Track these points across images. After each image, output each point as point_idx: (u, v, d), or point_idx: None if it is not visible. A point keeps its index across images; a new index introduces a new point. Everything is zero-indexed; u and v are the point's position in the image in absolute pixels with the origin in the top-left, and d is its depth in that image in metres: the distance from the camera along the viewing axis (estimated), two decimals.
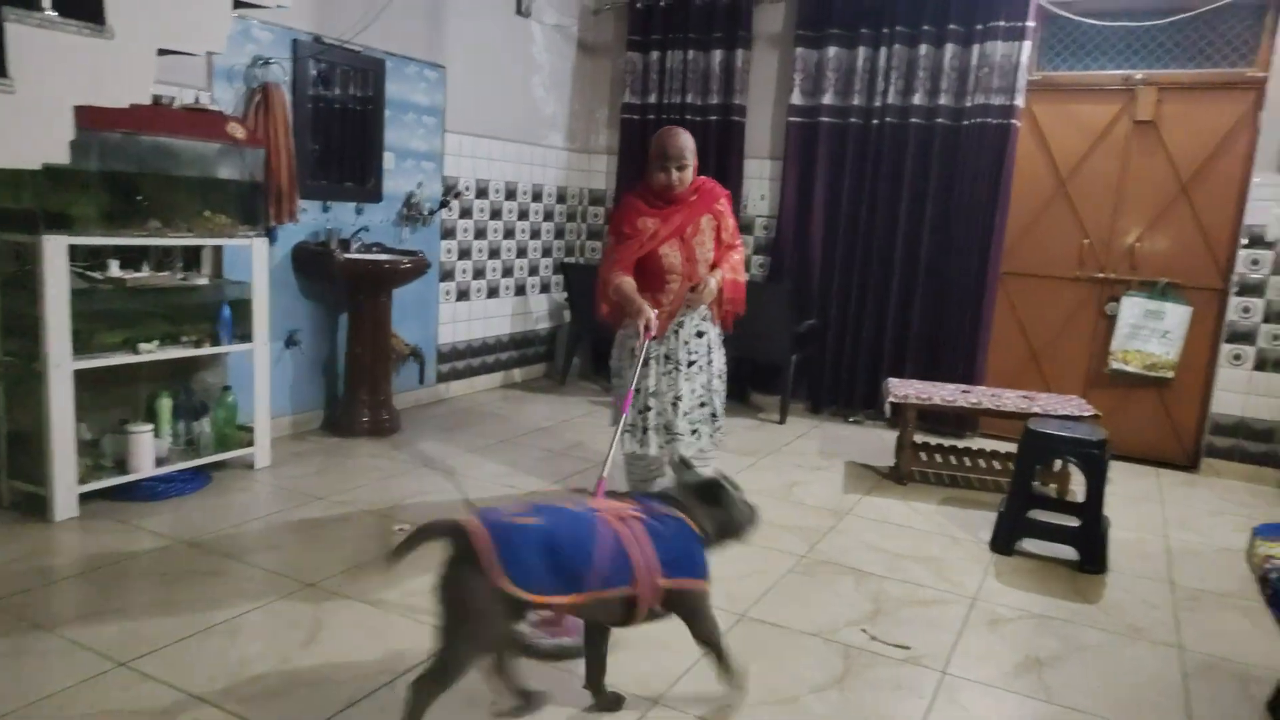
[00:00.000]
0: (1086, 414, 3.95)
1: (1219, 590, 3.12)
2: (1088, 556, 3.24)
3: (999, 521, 3.43)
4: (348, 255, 4.34)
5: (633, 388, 3.15)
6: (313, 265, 4.35)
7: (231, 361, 3.89)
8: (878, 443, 4.94)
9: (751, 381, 5.75)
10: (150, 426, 3.43)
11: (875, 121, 5.30)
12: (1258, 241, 4.53)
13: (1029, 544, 3.41)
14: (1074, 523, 3.35)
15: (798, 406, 5.58)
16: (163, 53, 3.10)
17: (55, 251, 3.05)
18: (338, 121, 4.53)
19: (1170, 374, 4.79)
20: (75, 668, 2.23)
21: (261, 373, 3.83)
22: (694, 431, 3.32)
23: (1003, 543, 3.38)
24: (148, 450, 3.41)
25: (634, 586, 1.94)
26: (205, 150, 3.61)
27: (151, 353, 3.42)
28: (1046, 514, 3.43)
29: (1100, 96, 4.93)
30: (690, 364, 3.30)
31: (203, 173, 3.67)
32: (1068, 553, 3.32)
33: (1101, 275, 4.99)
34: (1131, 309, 4.86)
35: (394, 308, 4.66)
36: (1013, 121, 4.90)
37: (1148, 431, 4.87)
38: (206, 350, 3.64)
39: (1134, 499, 4.18)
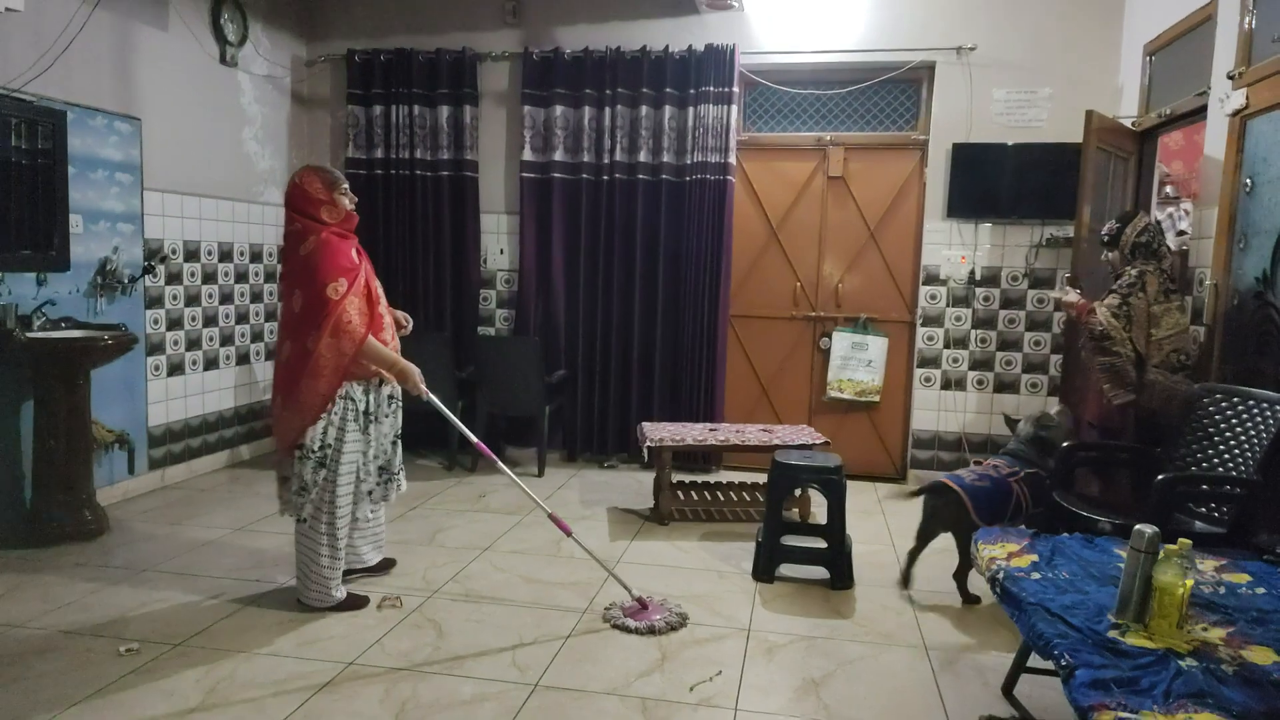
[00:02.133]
0: (819, 441, 4.34)
1: (944, 589, 3.54)
2: (837, 574, 3.54)
3: (758, 551, 3.65)
4: (31, 334, 3.73)
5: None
6: None
7: None
8: (635, 485, 5.08)
9: (506, 436, 5.68)
10: None
11: (605, 177, 5.52)
12: (933, 279, 5.27)
13: (786, 569, 3.65)
14: (821, 544, 3.65)
15: (553, 456, 5.60)
16: None
17: None
18: (9, 180, 3.89)
19: (877, 398, 5.41)
20: None
21: None
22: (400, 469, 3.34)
23: (763, 571, 3.60)
24: None
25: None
26: None
27: None
28: (797, 538, 3.70)
29: (799, 155, 5.51)
30: (398, 400, 3.29)
31: None
32: (819, 572, 3.61)
33: (814, 313, 5.54)
34: (840, 342, 5.44)
35: (93, 391, 4.06)
36: (728, 177, 5.33)
37: (863, 450, 5.44)
38: None
39: (860, 513, 4.63)
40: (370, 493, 3.22)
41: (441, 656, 2.83)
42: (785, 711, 2.54)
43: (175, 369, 4.92)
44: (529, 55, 5.56)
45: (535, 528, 4.23)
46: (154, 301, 4.74)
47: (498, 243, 5.84)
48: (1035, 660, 2.55)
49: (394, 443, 3.31)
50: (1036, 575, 2.32)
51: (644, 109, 5.44)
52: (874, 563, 3.85)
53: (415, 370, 3.14)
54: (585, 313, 5.64)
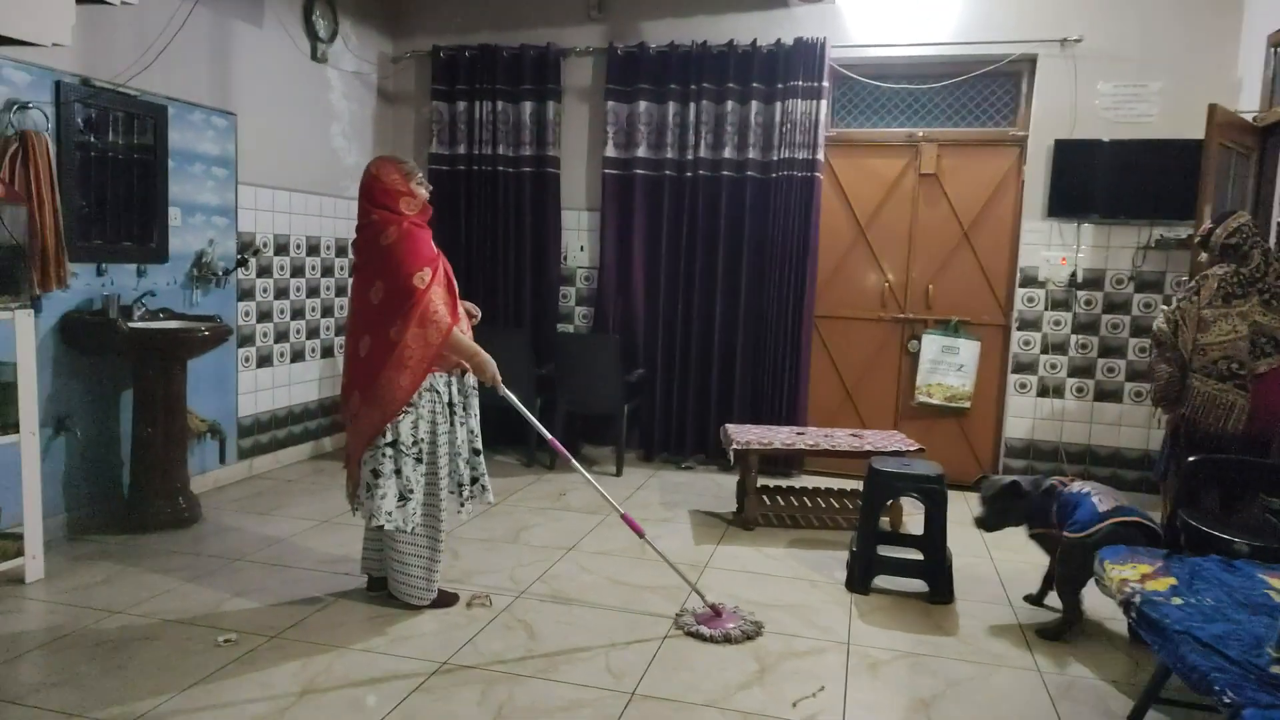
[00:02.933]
0: (912, 448, 4.19)
1: (1052, 607, 3.37)
2: (936, 588, 3.39)
3: (853, 561, 3.52)
4: (133, 325, 3.80)
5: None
6: (87, 338, 3.77)
7: None
8: (715, 488, 4.98)
9: (583, 434, 5.64)
10: None
11: (689, 174, 5.43)
12: (1031, 281, 5.05)
13: (881, 580, 3.51)
14: (917, 556, 3.50)
15: (630, 456, 5.53)
16: None
17: None
18: (113, 173, 3.98)
19: (967, 404, 5.21)
20: None
21: (31, 468, 3.23)
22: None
23: (859, 582, 3.47)
24: None
25: None
26: None
27: None
28: (893, 549, 3.56)
29: (889, 151, 5.34)
30: (474, 389, 3.17)
31: None
32: (916, 585, 3.46)
33: (902, 315, 5.37)
34: (930, 345, 5.25)
35: (187, 381, 4.12)
36: (816, 174, 5.19)
37: (951, 458, 5.21)
38: None
39: (952, 524, 4.43)
40: (461, 487, 3.10)
41: (534, 659, 2.78)
42: None
43: (264, 360, 4.99)
44: (613, 50, 5.50)
45: (618, 528, 4.14)
46: (245, 294, 4.81)
47: (578, 239, 5.80)
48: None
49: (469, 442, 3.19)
50: (1178, 600, 2.16)
51: (730, 104, 5.33)
52: (972, 576, 3.69)
53: (493, 363, 3.04)
54: (665, 311, 5.56)
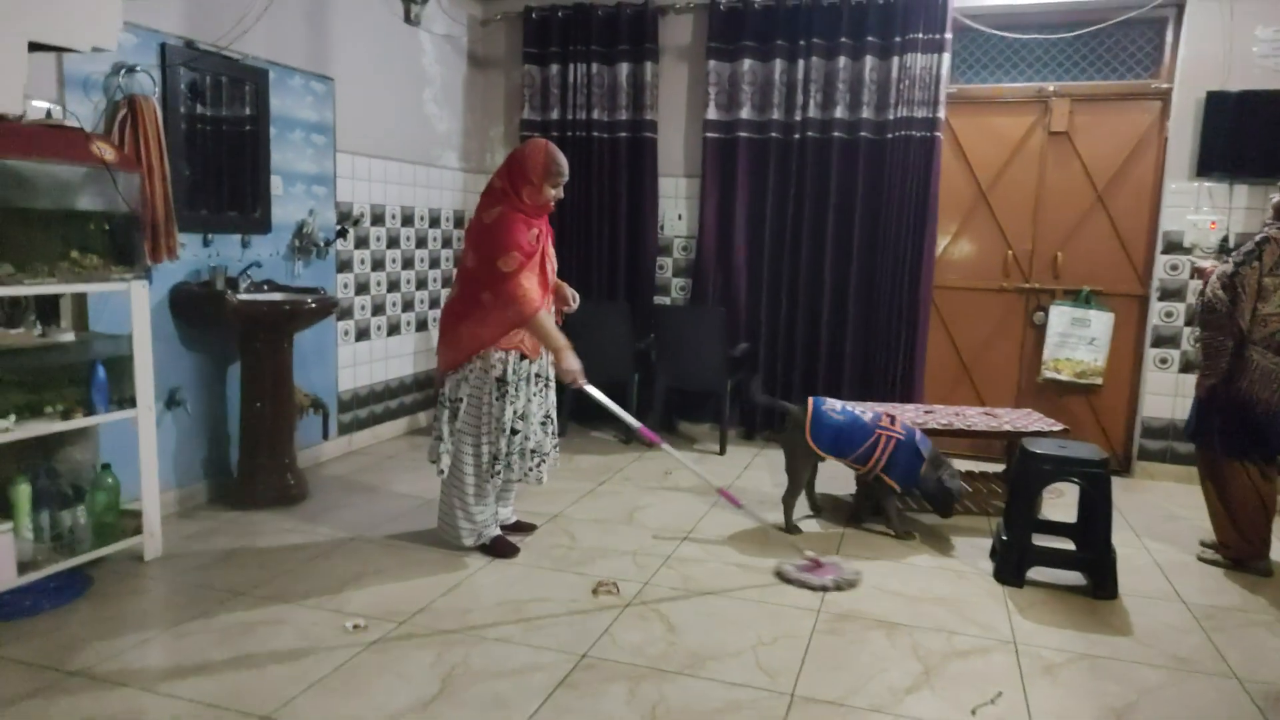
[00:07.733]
0: (1054, 428, 3.89)
1: (1228, 606, 3.07)
2: (1100, 583, 3.11)
3: (1004, 551, 3.25)
4: (241, 297, 3.69)
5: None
6: (197, 310, 3.68)
7: (105, 433, 3.19)
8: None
9: (680, 411, 5.44)
10: (9, 525, 2.70)
11: (796, 136, 5.13)
12: (1174, 247, 4.66)
13: (1033, 572, 3.24)
14: (1071, 546, 3.24)
15: (730, 434, 5.30)
16: (34, 48, 2.45)
17: None
18: (216, 140, 3.87)
19: (1099, 380, 4.85)
20: None
21: (148, 444, 3.14)
22: (555, 445, 3.35)
23: (1012, 574, 3.21)
24: (6, 554, 2.68)
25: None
26: (66, 176, 2.91)
27: (8, 431, 2.70)
28: (1045, 538, 3.28)
29: (1015, 109, 4.97)
30: (548, 381, 3.30)
31: (62, 204, 2.96)
32: (1071, 578, 3.19)
33: (1027, 285, 5.02)
34: (1059, 318, 4.90)
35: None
36: (936, 134, 4.85)
37: (1080, 438, 4.90)
38: (79, 423, 2.92)
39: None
40: (496, 460, 3.14)
41: (678, 655, 2.59)
42: None
43: (362, 334, 4.88)
44: (715, 6, 5.22)
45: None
46: (344, 265, 4.69)
47: (676, 208, 5.56)
48: None
49: (542, 423, 3.28)
50: None
51: (842, 60, 5.01)
52: (1127, 568, 3.37)
53: (575, 361, 3.08)
54: (769, 282, 5.29)
